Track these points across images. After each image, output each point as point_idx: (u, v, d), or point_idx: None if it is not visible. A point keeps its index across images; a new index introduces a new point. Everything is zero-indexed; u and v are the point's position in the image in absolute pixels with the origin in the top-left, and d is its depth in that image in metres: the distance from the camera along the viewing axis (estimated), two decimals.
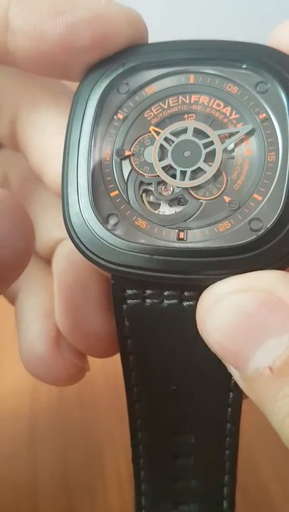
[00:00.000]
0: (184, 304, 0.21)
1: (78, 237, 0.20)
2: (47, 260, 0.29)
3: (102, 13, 0.21)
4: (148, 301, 0.21)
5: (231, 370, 0.18)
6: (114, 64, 0.22)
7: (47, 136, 0.24)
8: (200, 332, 0.19)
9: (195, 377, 0.22)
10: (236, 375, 0.18)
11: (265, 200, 0.19)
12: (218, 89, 0.21)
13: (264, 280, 0.18)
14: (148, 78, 0.22)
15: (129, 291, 0.21)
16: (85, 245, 0.20)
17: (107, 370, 0.36)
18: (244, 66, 0.21)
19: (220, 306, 0.18)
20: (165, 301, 0.21)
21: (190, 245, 0.20)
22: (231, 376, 0.19)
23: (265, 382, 0.17)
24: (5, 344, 0.42)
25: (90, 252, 0.20)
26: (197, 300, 0.19)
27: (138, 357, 0.23)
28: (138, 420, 0.24)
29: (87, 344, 0.26)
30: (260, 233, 0.19)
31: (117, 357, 0.23)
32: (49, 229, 0.27)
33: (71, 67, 0.22)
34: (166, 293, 0.21)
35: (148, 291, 0.21)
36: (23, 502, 0.33)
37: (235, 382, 0.21)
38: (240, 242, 0.19)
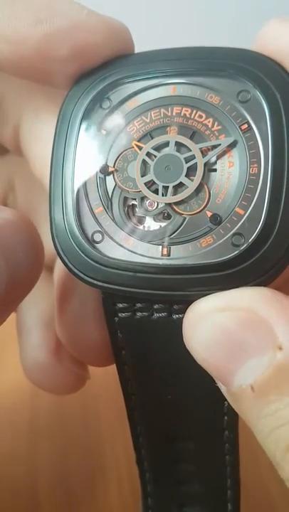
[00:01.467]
0: (174, 316, 0.21)
1: (65, 255, 0.21)
2: (49, 268, 0.29)
3: (81, 24, 0.21)
4: (138, 314, 0.21)
5: (219, 384, 0.18)
6: (96, 78, 0.22)
7: (48, 145, 0.24)
8: (187, 346, 0.19)
9: (189, 387, 0.22)
10: (223, 389, 0.18)
11: (247, 214, 0.19)
12: (200, 100, 0.21)
13: (245, 298, 0.18)
14: (130, 92, 0.22)
15: (120, 305, 0.21)
16: (71, 262, 0.21)
17: (107, 370, 0.36)
18: (225, 74, 0.21)
19: (203, 323, 0.18)
20: (155, 314, 0.21)
21: (173, 262, 0.20)
22: None
23: (248, 400, 0.17)
24: (5, 344, 0.42)
25: (76, 269, 0.20)
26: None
27: (133, 367, 0.23)
28: (138, 427, 0.24)
29: (86, 354, 0.26)
30: (241, 248, 0.19)
31: None
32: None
33: (52, 74, 0.22)
34: (155, 306, 0.21)
35: (138, 305, 0.21)
36: (24, 501, 0.33)
37: None
38: (222, 259, 0.19)
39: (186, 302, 0.19)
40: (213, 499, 0.26)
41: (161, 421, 0.24)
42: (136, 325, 0.21)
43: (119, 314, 0.22)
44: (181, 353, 0.19)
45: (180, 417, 0.24)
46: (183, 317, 0.19)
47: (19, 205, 0.30)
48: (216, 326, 0.18)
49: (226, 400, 0.20)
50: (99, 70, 0.22)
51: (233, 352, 0.17)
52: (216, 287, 0.19)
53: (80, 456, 0.36)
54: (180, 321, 0.19)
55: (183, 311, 0.20)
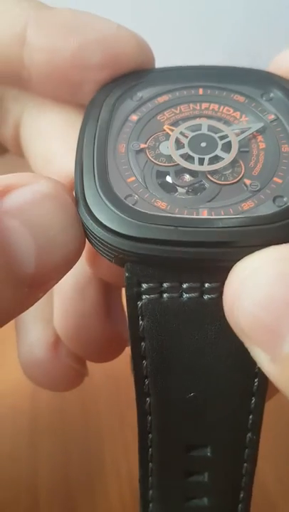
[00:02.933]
0: (205, 297, 0.19)
1: (96, 218, 0.19)
2: None
3: (113, 35, 0.22)
4: (165, 295, 0.20)
5: (258, 353, 0.16)
6: (127, 79, 0.23)
7: (50, 141, 0.24)
8: (227, 311, 0.17)
9: (215, 380, 0.21)
10: (264, 360, 0.16)
11: (286, 180, 0.20)
12: (227, 98, 0.23)
13: None
14: (160, 91, 0.23)
15: (145, 285, 0.20)
16: (103, 224, 0.19)
17: (108, 370, 0.36)
18: (248, 82, 0.23)
19: (261, 275, 0.16)
20: (184, 295, 0.19)
21: (216, 217, 0.19)
22: (255, 379, 0.18)
23: None
24: (5, 344, 0.42)
25: (110, 231, 0.19)
26: (219, 293, 0.18)
27: (153, 361, 0.21)
28: (149, 435, 0.23)
29: (85, 349, 0.26)
30: (285, 205, 0.19)
31: (118, 357, 0.23)
32: None
33: (83, 83, 0.23)
34: (185, 285, 0.19)
35: (165, 285, 0.19)
36: (23, 501, 0.33)
37: (258, 386, 0.20)
38: (271, 212, 0.19)
39: (223, 278, 0.17)
40: None
41: (178, 425, 0.22)
42: (162, 309, 0.20)
43: (144, 297, 0.20)
44: (211, 340, 0.18)
45: (200, 418, 0.22)
46: (216, 297, 0.18)
47: None
48: (277, 276, 0.16)
49: (253, 395, 0.19)
50: (128, 75, 0.23)
51: None
52: (266, 239, 0.17)
53: (80, 456, 0.36)
54: (212, 302, 0.19)
55: (216, 291, 0.19)
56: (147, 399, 0.22)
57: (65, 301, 0.26)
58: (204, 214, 0.19)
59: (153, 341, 0.20)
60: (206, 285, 0.19)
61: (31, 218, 0.18)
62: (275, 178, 0.20)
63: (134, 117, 0.23)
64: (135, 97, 0.23)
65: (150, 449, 0.23)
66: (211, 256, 0.18)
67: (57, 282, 0.20)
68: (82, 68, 0.22)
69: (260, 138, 0.21)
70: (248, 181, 0.20)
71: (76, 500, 0.34)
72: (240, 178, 0.20)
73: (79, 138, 0.22)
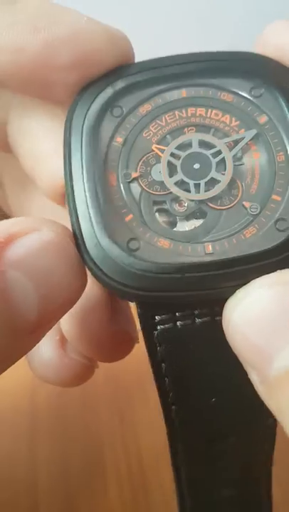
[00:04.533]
0: (217, 318, 0.19)
1: (101, 270, 0.19)
2: None
3: (81, 31, 0.20)
4: (179, 323, 0.20)
5: (251, 373, 0.17)
6: (103, 86, 0.21)
7: (37, 140, 0.23)
8: (224, 324, 0.17)
9: (233, 386, 0.21)
10: (256, 380, 0.17)
11: (285, 199, 0.19)
12: (213, 99, 0.21)
13: None
14: (140, 98, 0.21)
15: (159, 317, 0.20)
16: (109, 277, 0.19)
17: (108, 370, 0.36)
18: (234, 74, 0.21)
19: (253, 295, 0.17)
20: (197, 320, 0.20)
21: (222, 257, 0.19)
22: None
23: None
24: None
25: (116, 282, 0.19)
26: None
27: (174, 378, 0.21)
28: (177, 431, 0.23)
29: (92, 350, 0.26)
30: (287, 232, 0.18)
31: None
32: None
33: (53, 85, 0.21)
34: (196, 311, 0.20)
35: (178, 313, 0.20)
36: (23, 501, 0.33)
37: None
38: (271, 246, 0.18)
39: None
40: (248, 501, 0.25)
41: (203, 424, 0.23)
42: (178, 335, 0.20)
43: (158, 327, 0.20)
44: (227, 357, 0.18)
45: (222, 414, 0.23)
46: None
47: (9, 201, 0.29)
48: (268, 297, 0.16)
49: None
50: (104, 78, 0.21)
51: (281, 328, 0.16)
52: (269, 273, 0.18)
53: (80, 456, 0.36)
54: None
55: None
56: (173, 407, 0.22)
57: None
58: (209, 249, 0.19)
59: (172, 363, 0.21)
60: (216, 308, 0.19)
61: (34, 268, 0.17)
62: (273, 196, 0.19)
63: (119, 139, 0.21)
64: (116, 112, 0.21)
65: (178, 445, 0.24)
66: (218, 296, 0.18)
67: (58, 321, 0.20)
68: (49, 69, 0.21)
69: (253, 147, 0.20)
70: (247, 204, 0.19)
71: (76, 500, 0.34)
72: (239, 200, 0.20)
73: (65, 171, 0.21)
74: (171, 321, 0.20)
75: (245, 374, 0.17)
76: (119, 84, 0.21)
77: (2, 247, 0.17)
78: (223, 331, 0.18)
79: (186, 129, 0.21)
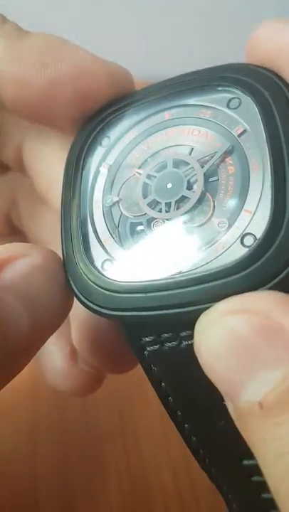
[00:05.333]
0: None
1: (78, 290, 0.20)
2: None
3: (84, 70, 0.22)
4: (166, 344, 0.20)
5: (226, 401, 0.17)
6: (97, 121, 0.23)
7: (51, 165, 0.24)
8: (196, 354, 0.17)
9: None
10: (230, 408, 0.16)
11: (255, 212, 0.18)
12: (193, 117, 0.21)
13: (262, 302, 0.16)
14: (126, 126, 0.22)
15: (146, 339, 0.20)
16: (85, 297, 0.20)
17: None
18: (212, 89, 0.21)
19: (215, 327, 0.16)
20: (184, 342, 0.20)
21: (185, 275, 0.19)
22: None
23: (255, 420, 0.15)
24: None
25: (91, 302, 0.20)
26: None
27: (177, 398, 0.21)
28: (199, 450, 0.23)
29: (102, 363, 0.27)
30: (253, 246, 0.18)
31: None
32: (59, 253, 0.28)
33: (56, 118, 0.23)
34: (182, 334, 0.19)
35: (164, 336, 0.20)
36: (23, 501, 0.33)
37: None
38: (234, 260, 0.18)
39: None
40: None
41: (221, 444, 0.22)
42: (167, 356, 0.20)
43: (148, 348, 0.21)
44: None
45: (239, 439, 0.22)
46: None
47: (23, 220, 0.30)
48: (227, 330, 0.16)
49: None
50: (99, 113, 0.23)
51: (243, 361, 0.15)
52: (231, 293, 0.17)
53: (80, 456, 0.36)
54: None
55: None
56: (185, 425, 0.22)
57: (80, 318, 0.26)
58: (175, 270, 0.19)
59: (170, 382, 0.21)
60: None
61: (24, 291, 0.19)
62: (244, 209, 0.19)
63: (105, 167, 0.22)
64: (104, 142, 0.23)
65: (206, 460, 0.23)
66: (180, 316, 0.18)
67: (48, 338, 0.21)
68: (53, 104, 0.22)
69: (228, 160, 0.20)
70: (216, 220, 0.19)
71: (76, 499, 0.34)
72: (210, 217, 0.19)
73: (61, 202, 0.22)
74: (157, 342, 0.20)
75: None
76: (109, 117, 0.23)
77: None
78: None
79: (166, 150, 0.21)
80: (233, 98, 0.20)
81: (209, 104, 0.21)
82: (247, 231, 0.18)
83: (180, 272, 0.19)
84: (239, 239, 0.18)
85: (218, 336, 0.16)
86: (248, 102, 0.20)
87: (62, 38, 0.22)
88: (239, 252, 0.18)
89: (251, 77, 0.20)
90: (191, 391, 0.21)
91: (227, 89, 0.21)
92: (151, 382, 0.21)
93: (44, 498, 0.34)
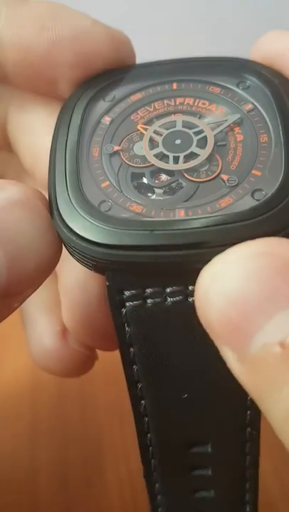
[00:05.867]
0: (190, 299, 0.18)
1: (68, 226, 0.18)
2: None
3: (85, 32, 0.22)
4: (149, 301, 0.19)
5: (226, 352, 0.16)
6: (100, 79, 0.23)
7: (37, 136, 0.24)
8: (198, 309, 0.16)
9: (209, 381, 0.20)
10: (232, 359, 0.15)
11: (265, 173, 0.19)
12: (202, 91, 0.22)
13: (282, 245, 0.15)
14: (133, 88, 0.23)
15: (128, 293, 0.19)
16: (76, 233, 0.18)
17: (107, 369, 0.36)
18: (223, 71, 0.22)
19: (231, 270, 0.15)
20: (169, 299, 0.19)
21: (194, 217, 0.18)
22: None
23: (273, 363, 0.14)
24: (4, 344, 0.42)
25: (83, 239, 0.18)
26: None
27: (143, 366, 0.20)
28: (148, 435, 0.22)
29: (93, 340, 0.26)
30: (265, 198, 0.18)
31: (118, 354, 0.22)
32: None
33: (57, 81, 0.23)
34: (168, 290, 0.18)
35: (149, 290, 0.19)
36: (23, 501, 0.33)
37: None
38: (248, 207, 0.18)
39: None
40: (231, 503, 0.24)
41: (176, 425, 0.22)
42: (146, 315, 0.19)
43: (127, 304, 0.19)
44: (201, 342, 0.17)
45: (197, 417, 0.22)
46: None
47: None
48: (246, 271, 0.15)
49: None
50: (102, 74, 0.23)
51: (263, 302, 0.14)
52: (242, 236, 0.16)
53: (80, 456, 0.36)
54: None
55: None
56: (142, 402, 0.21)
57: (70, 295, 0.26)
58: (181, 214, 0.18)
59: (141, 347, 0.20)
60: (190, 288, 0.18)
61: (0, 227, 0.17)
62: (253, 171, 0.19)
63: (107, 119, 0.22)
64: (108, 98, 0.22)
65: (150, 448, 0.23)
66: (188, 258, 0.17)
67: (34, 291, 0.19)
68: (55, 66, 0.22)
69: (237, 130, 0.21)
70: (225, 177, 0.19)
71: (76, 500, 0.34)
72: (218, 174, 0.19)
73: (51, 144, 0.21)
74: (140, 297, 0.19)
75: (221, 368, 0.16)
76: (115, 78, 0.23)
77: None
78: (196, 315, 0.16)
79: (173, 115, 0.22)
80: (242, 81, 0.22)
81: (219, 82, 0.22)
82: (257, 187, 0.19)
83: (187, 217, 0.18)
84: (250, 193, 0.18)
85: (237, 278, 0.15)
86: (257, 84, 0.21)
87: (61, 3, 0.23)
88: (250, 204, 0.18)
89: (261, 68, 0.21)
90: (161, 359, 0.20)
91: (238, 73, 0.22)
92: (119, 345, 0.20)
93: (44, 500, 0.34)
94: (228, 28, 0.56)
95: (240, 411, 0.21)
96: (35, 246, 0.18)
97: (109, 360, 0.26)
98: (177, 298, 0.19)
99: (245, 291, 0.15)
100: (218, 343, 0.16)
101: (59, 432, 0.37)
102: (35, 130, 0.24)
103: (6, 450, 0.36)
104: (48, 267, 0.19)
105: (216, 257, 0.16)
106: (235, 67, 0.22)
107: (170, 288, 0.18)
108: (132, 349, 0.20)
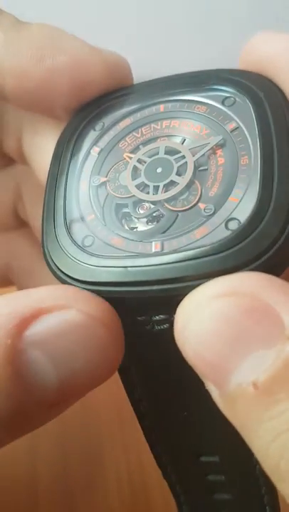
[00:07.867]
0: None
1: (54, 263, 0.20)
2: None
3: (81, 61, 0.22)
4: (139, 328, 0.20)
5: (209, 387, 0.16)
6: (92, 107, 0.23)
7: (47, 155, 0.24)
8: (177, 340, 0.16)
9: (205, 400, 0.20)
10: (215, 394, 0.16)
11: (241, 200, 0.19)
12: (188, 111, 0.22)
13: (249, 283, 0.16)
14: (122, 114, 0.23)
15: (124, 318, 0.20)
16: (60, 269, 0.19)
17: None
18: (209, 88, 0.22)
19: (202, 311, 0.16)
20: (156, 327, 0.19)
21: (169, 252, 0.19)
22: None
23: (249, 401, 0.15)
24: None
25: (66, 275, 0.19)
26: None
27: (141, 388, 0.21)
28: (157, 446, 0.23)
29: None
30: (237, 228, 0.18)
31: None
32: None
33: (54, 107, 0.23)
34: (155, 318, 0.19)
35: (139, 318, 0.20)
36: (23, 501, 0.33)
37: None
38: (218, 241, 0.18)
39: (186, 293, 0.17)
40: (249, 505, 0.24)
41: (182, 439, 0.22)
42: (138, 340, 0.20)
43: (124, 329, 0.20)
44: (188, 365, 0.17)
45: (200, 432, 0.22)
46: None
47: (28, 212, 0.30)
48: (216, 314, 0.15)
49: None
50: (95, 101, 0.23)
51: (233, 344, 0.15)
52: (214, 272, 0.17)
53: (80, 456, 0.36)
54: None
55: None
56: (146, 417, 0.22)
57: None
58: (157, 248, 0.19)
59: (138, 370, 0.21)
60: (174, 316, 0.19)
61: (55, 350, 0.17)
62: (230, 198, 0.19)
63: (96, 149, 0.22)
64: (98, 127, 0.23)
65: (163, 457, 0.23)
66: (163, 292, 0.18)
67: (84, 394, 0.19)
68: (50, 94, 0.22)
69: (219, 152, 0.20)
70: (202, 205, 0.19)
71: (76, 499, 0.34)
72: (196, 203, 0.19)
73: (47, 178, 0.22)
74: (129, 325, 0.19)
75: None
76: (105, 105, 0.23)
77: (24, 324, 0.17)
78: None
79: (158, 139, 0.22)
80: (228, 97, 0.21)
81: (205, 101, 0.22)
82: (232, 216, 0.18)
83: (162, 250, 0.19)
84: (224, 223, 0.18)
85: (207, 320, 0.15)
86: (242, 101, 0.21)
87: (60, 28, 0.23)
88: (223, 235, 0.18)
89: (247, 79, 0.21)
90: (156, 380, 0.21)
91: (223, 88, 0.21)
92: (119, 369, 0.21)
93: (44, 498, 0.34)
94: (223, 24, 0.56)
95: None
96: (89, 369, 0.18)
97: None
98: (163, 326, 0.19)
99: (214, 333, 0.15)
100: (200, 377, 0.16)
101: (59, 431, 0.37)
102: (47, 149, 0.24)
103: (5, 450, 0.36)
104: (99, 382, 0.19)
105: (186, 298, 0.17)
106: (221, 81, 0.22)
107: (157, 317, 0.19)
108: (130, 369, 0.21)
